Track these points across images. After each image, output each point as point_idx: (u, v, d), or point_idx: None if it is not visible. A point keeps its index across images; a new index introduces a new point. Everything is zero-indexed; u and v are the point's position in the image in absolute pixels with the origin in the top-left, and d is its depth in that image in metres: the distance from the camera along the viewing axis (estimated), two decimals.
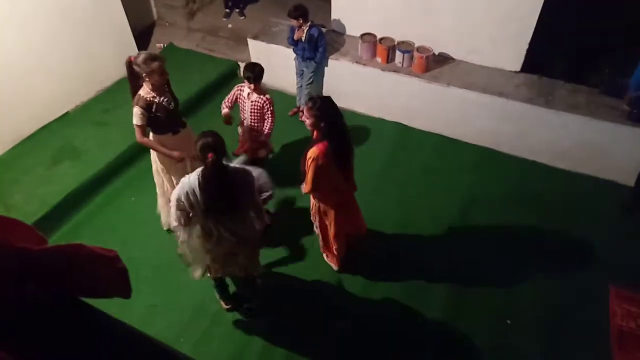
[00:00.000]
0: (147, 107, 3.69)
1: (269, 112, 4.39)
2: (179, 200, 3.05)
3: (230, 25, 7.35)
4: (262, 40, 6.12)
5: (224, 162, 3.03)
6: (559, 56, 5.46)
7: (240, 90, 4.45)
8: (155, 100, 3.71)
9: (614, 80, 4.89)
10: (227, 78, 6.52)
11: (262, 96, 4.35)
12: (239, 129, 4.70)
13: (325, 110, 3.33)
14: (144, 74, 3.60)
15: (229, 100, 4.49)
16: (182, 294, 4.17)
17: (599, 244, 4.44)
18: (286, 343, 3.85)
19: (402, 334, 3.90)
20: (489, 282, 4.22)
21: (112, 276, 1.06)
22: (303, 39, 5.32)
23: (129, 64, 3.62)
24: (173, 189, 4.21)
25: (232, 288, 4.11)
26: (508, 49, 5.23)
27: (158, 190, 4.39)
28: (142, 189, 5.08)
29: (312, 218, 4.01)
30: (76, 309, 0.98)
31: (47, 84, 5.50)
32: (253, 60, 6.35)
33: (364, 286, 4.22)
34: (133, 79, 3.73)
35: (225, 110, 4.45)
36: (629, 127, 4.64)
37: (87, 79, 5.98)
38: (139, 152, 5.41)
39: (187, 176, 3.07)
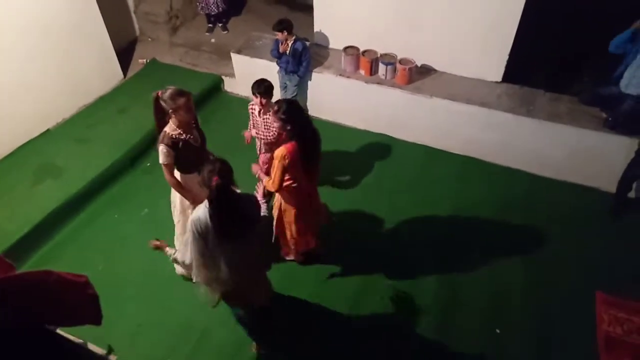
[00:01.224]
0: (173, 144, 3.50)
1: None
2: (195, 229, 2.89)
3: (213, 40, 7.35)
4: (246, 55, 6.12)
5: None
6: (539, 66, 5.54)
7: (252, 109, 4.45)
8: (182, 137, 3.53)
9: (592, 90, 4.97)
10: (211, 92, 6.51)
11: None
12: (258, 151, 4.74)
13: (290, 113, 3.41)
14: (170, 110, 3.43)
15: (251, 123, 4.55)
16: (168, 312, 4.11)
17: (584, 251, 4.47)
18: (276, 357, 3.82)
19: (390, 344, 3.87)
20: (476, 291, 4.22)
21: (83, 302, 1.03)
22: (287, 52, 5.33)
23: (156, 99, 3.45)
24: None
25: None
26: (489, 59, 5.29)
27: (177, 230, 4.13)
28: (125, 206, 5.02)
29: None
30: (44, 339, 0.95)
31: (27, 101, 5.43)
32: (237, 74, 6.37)
33: (353, 294, 4.20)
34: (159, 115, 3.55)
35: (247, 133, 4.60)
36: (608, 134, 4.71)
37: (68, 95, 5.92)
38: (122, 170, 5.37)
39: (199, 206, 2.94)
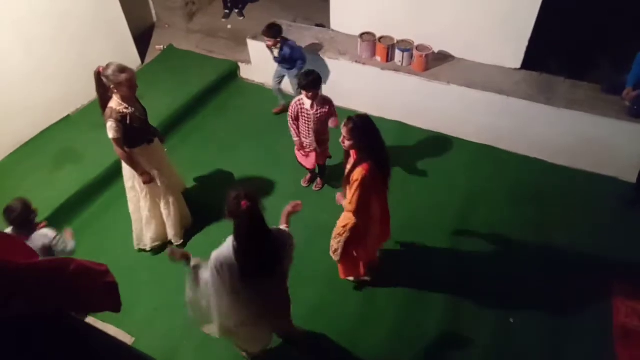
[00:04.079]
0: (122, 119, 3.58)
1: (334, 114, 4.38)
2: (215, 266, 2.70)
3: (229, 26, 7.35)
4: (262, 41, 6.07)
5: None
6: (559, 53, 5.44)
7: (301, 104, 4.32)
8: (128, 111, 3.62)
9: (614, 78, 4.87)
10: (227, 79, 6.52)
11: (325, 106, 4.29)
12: (298, 144, 4.62)
13: (362, 129, 3.22)
14: (112, 86, 3.49)
15: (293, 118, 4.43)
16: (184, 296, 4.16)
17: (601, 241, 4.42)
18: (286, 344, 3.85)
19: (402, 330, 3.90)
20: (490, 280, 4.21)
21: (103, 290, 1.06)
22: (278, 57, 5.30)
23: (98, 75, 3.50)
24: (149, 207, 4.18)
25: None
26: (508, 46, 5.21)
27: (131, 206, 4.28)
28: None
29: (337, 236, 3.77)
30: (65, 325, 0.98)
31: (47, 88, 5.51)
32: (253, 60, 6.36)
33: (364, 285, 4.21)
34: (102, 91, 3.60)
35: (296, 139, 4.55)
36: (629, 122, 4.62)
37: (87, 81, 5.88)
38: None
39: (217, 250, 2.74)
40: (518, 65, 5.29)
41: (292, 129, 4.53)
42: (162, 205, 4.24)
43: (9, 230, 3.35)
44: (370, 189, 3.28)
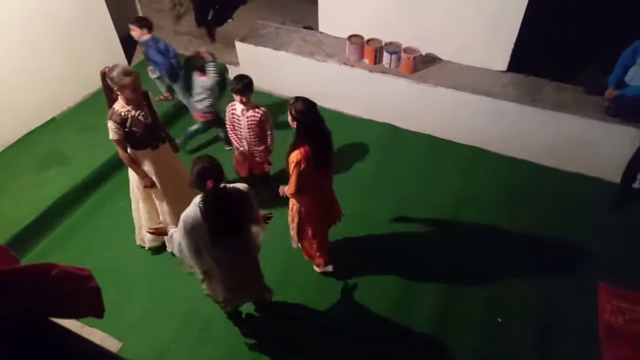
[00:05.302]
0: (122, 121, 3.57)
1: (268, 124, 4.30)
2: (184, 226, 2.82)
3: (217, 28, 7.32)
4: (250, 43, 6.10)
5: (224, 185, 2.84)
6: (545, 55, 5.50)
7: (233, 109, 4.31)
8: (130, 114, 3.59)
9: (597, 80, 4.94)
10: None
11: (257, 109, 4.23)
12: (236, 151, 4.58)
13: (302, 112, 3.28)
14: (116, 88, 3.49)
15: (229, 124, 4.42)
16: (174, 299, 4.15)
17: (587, 241, 4.47)
18: (277, 345, 3.86)
19: (391, 332, 3.91)
20: (480, 280, 4.24)
21: (85, 295, 1.05)
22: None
23: (103, 76, 3.51)
24: (147, 211, 4.19)
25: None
26: (494, 48, 5.26)
27: (133, 205, 4.28)
28: (130, 194, 5.05)
29: (290, 222, 3.89)
30: (45, 330, 0.97)
31: (32, 89, 5.46)
32: (241, 62, 6.35)
33: (355, 285, 4.22)
34: (108, 91, 3.62)
35: (240, 149, 4.51)
36: (614, 124, 4.68)
37: (73, 83, 5.95)
38: None
39: (185, 212, 2.84)
40: (504, 67, 5.34)
41: (232, 138, 4.50)
42: (158, 211, 4.20)
43: None
44: (307, 171, 3.35)
